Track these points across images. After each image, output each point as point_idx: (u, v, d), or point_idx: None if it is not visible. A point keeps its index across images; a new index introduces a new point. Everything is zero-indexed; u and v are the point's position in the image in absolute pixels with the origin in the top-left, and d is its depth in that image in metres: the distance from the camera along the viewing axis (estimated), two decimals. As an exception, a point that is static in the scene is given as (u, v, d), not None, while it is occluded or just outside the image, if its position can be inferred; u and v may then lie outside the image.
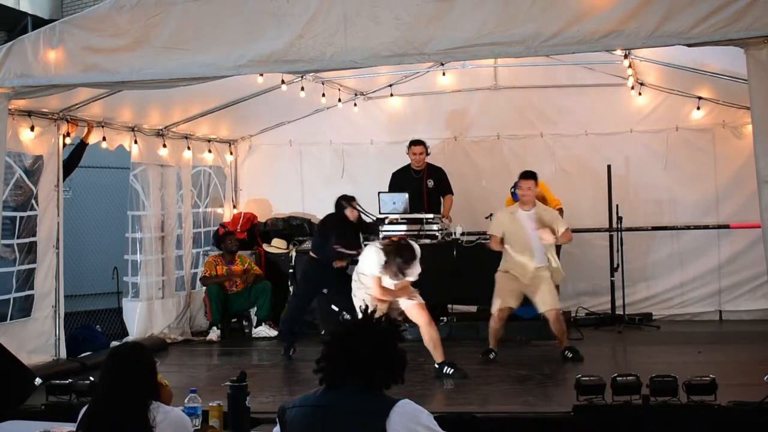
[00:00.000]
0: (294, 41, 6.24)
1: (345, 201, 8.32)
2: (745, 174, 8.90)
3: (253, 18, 6.34)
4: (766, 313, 9.61)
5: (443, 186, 9.87)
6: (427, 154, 9.92)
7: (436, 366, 7.21)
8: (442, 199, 9.85)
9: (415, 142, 9.85)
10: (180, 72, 6.59)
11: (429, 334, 7.20)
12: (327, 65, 6.45)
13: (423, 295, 9.25)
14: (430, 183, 9.84)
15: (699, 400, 5.48)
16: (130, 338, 9.11)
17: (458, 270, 8.75)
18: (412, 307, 7.16)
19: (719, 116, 9.93)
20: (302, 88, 9.30)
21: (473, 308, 9.55)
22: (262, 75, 8.01)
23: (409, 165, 9.94)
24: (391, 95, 10.86)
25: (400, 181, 9.87)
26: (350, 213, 8.28)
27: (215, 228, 10.65)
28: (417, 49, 6.08)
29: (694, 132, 10.06)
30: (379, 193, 9.38)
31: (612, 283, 9.66)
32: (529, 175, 7.86)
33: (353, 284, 7.41)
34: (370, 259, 7.07)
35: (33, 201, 7.79)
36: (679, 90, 9.86)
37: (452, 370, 7.19)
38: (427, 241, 9.27)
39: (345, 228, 8.32)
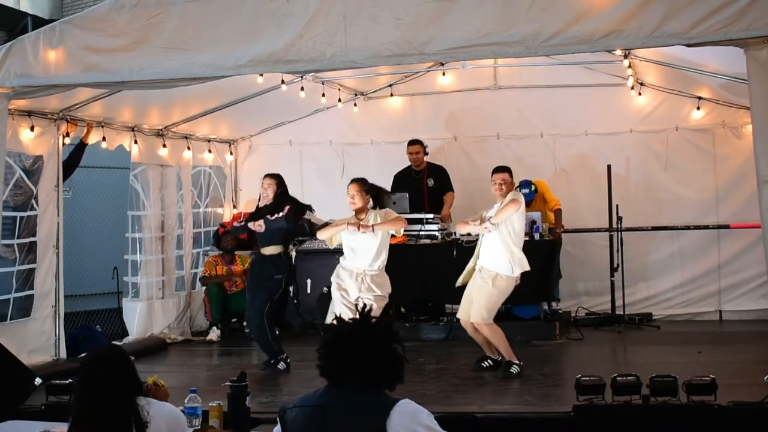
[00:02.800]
0: (294, 41, 6.24)
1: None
2: (745, 174, 8.90)
3: (253, 18, 6.34)
4: (766, 313, 9.60)
5: (444, 184, 9.90)
6: (426, 154, 9.94)
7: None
8: (444, 198, 9.86)
9: (411, 142, 9.90)
10: (180, 72, 6.60)
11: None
12: (327, 65, 6.46)
13: (423, 295, 9.32)
14: (431, 182, 9.88)
15: (699, 400, 5.48)
16: (130, 338, 9.12)
17: (458, 270, 8.72)
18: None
19: (719, 116, 9.92)
20: (302, 88, 9.30)
21: (473, 308, 9.54)
22: (262, 75, 8.01)
23: (410, 166, 9.98)
24: (391, 95, 10.86)
25: (401, 181, 9.90)
26: (262, 190, 7.90)
27: (215, 228, 10.65)
28: (417, 49, 6.08)
29: (694, 132, 10.06)
30: (379, 192, 9.37)
31: (612, 283, 9.66)
32: (503, 169, 7.47)
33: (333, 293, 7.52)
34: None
35: (33, 201, 7.79)
36: (679, 90, 9.86)
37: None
38: (427, 241, 9.28)
39: (258, 209, 7.96)
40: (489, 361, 7.40)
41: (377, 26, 6.09)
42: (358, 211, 7.35)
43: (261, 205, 7.92)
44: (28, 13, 14.94)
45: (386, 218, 7.33)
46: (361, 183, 7.41)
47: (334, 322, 3.11)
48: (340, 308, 7.22)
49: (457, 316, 7.46)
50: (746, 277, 9.75)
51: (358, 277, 7.31)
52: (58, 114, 8.05)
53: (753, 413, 5.45)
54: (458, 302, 9.39)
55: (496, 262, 7.15)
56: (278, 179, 7.87)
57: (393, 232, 7.49)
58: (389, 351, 3.01)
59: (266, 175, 7.98)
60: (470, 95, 10.68)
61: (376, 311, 7.13)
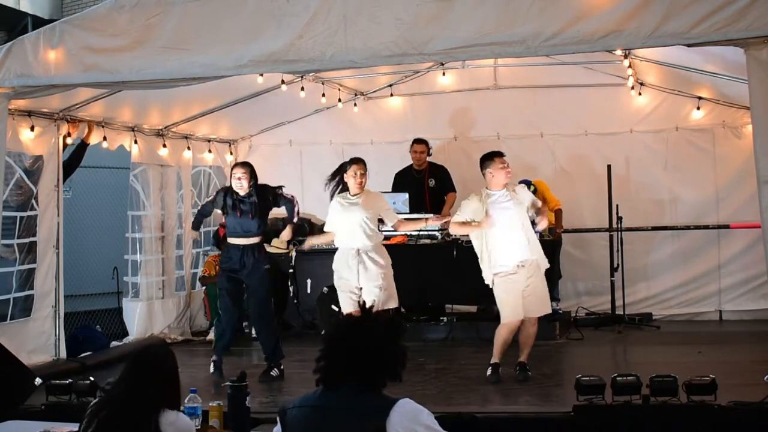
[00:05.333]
0: (294, 41, 6.24)
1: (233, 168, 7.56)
2: (745, 174, 8.89)
3: (253, 18, 6.34)
4: (766, 313, 9.60)
5: (446, 184, 9.89)
6: (429, 154, 9.94)
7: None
8: (445, 198, 9.85)
9: (417, 141, 9.90)
10: (180, 72, 6.60)
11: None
12: (327, 65, 6.46)
13: (423, 295, 9.32)
14: (432, 182, 9.86)
15: (699, 400, 5.48)
16: (130, 338, 9.12)
17: (458, 270, 8.75)
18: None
19: (719, 116, 9.92)
20: (302, 88, 9.30)
21: (473, 308, 9.56)
22: (262, 75, 8.01)
23: (411, 165, 9.97)
24: (391, 95, 10.86)
25: (402, 181, 9.90)
26: (235, 180, 7.44)
27: (215, 228, 10.64)
28: (417, 49, 6.08)
29: (694, 132, 10.06)
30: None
31: (612, 283, 9.66)
32: (503, 154, 7.23)
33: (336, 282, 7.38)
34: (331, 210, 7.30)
35: (33, 201, 7.79)
36: (679, 90, 9.86)
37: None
38: (427, 241, 9.28)
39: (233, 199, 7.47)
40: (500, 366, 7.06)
41: (377, 26, 6.09)
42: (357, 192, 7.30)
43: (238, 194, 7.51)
44: (28, 13, 14.96)
45: (378, 201, 7.37)
46: (364, 162, 7.38)
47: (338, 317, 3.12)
48: (345, 302, 7.15)
49: (508, 320, 6.96)
50: (746, 277, 9.74)
51: (353, 257, 7.21)
52: (58, 114, 8.05)
53: (753, 413, 5.45)
54: (458, 302, 9.47)
55: (539, 251, 7.07)
56: (252, 168, 7.59)
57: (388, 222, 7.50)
58: (389, 350, 3.01)
59: (240, 164, 7.66)
60: (470, 95, 10.68)
61: (388, 286, 7.18)
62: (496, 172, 7.08)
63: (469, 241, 8.66)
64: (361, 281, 7.22)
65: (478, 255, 7.16)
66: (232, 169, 7.67)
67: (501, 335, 7.04)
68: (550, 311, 7.16)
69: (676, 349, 8.34)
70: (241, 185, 7.45)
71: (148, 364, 3.59)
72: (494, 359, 7.04)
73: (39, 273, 7.83)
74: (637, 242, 9.99)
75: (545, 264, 7.13)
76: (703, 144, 10.04)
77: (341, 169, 7.46)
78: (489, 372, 7.01)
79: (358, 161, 7.38)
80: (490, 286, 7.10)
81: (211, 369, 7.59)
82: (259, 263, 7.57)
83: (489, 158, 7.15)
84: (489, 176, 7.12)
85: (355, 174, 7.29)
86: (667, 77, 9.41)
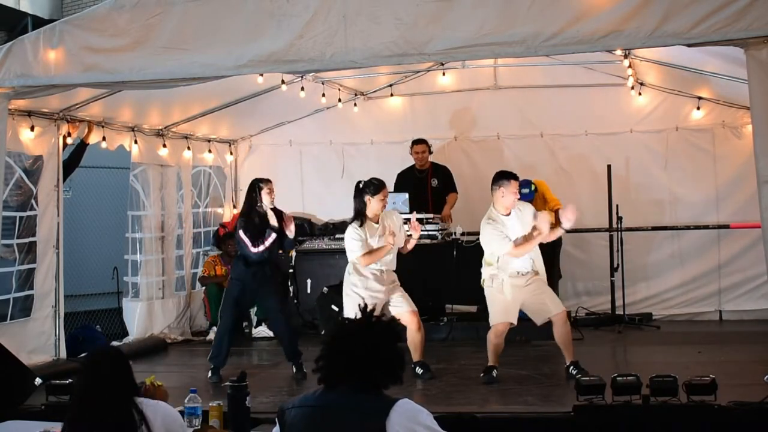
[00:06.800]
0: (294, 41, 6.25)
1: (261, 183, 7.64)
2: (745, 174, 8.90)
3: (253, 18, 6.35)
4: (766, 313, 9.60)
5: (448, 184, 9.88)
6: (430, 153, 9.94)
7: (412, 364, 7.14)
8: (446, 199, 9.84)
9: (416, 141, 9.89)
10: (180, 72, 6.60)
11: (413, 339, 7.14)
12: (327, 65, 6.46)
13: (423, 295, 9.31)
14: (434, 182, 9.86)
15: (699, 400, 5.48)
16: (130, 338, 9.12)
17: (458, 270, 8.75)
18: (405, 314, 7.12)
19: (719, 116, 9.93)
20: (302, 88, 9.31)
21: (473, 308, 9.54)
22: (262, 75, 8.01)
23: (413, 165, 9.96)
24: (391, 95, 10.86)
25: (404, 181, 9.89)
26: (270, 192, 7.58)
27: (215, 228, 10.66)
28: (417, 49, 6.08)
29: (694, 132, 10.06)
30: (379, 193, 9.36)
31: (612, 283, 9.66)
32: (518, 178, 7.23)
33: (345, 280, 7.28)
34: (348, 239, 7.09)
35: (33, 201, 7.79)
36: (679, 90, 9.86)
37: (422, 371, 7.19)
38: (427, 241, 9.28)
39: (254, 216, 7.56)
40: (496, 368, 7.07)
41: (377, 26, 6.09)
42: (377, 215, 7.21)
43: (265, 208, 7.60)
44: (28, 13, 14.97)
45: (396, 223, 7.28)
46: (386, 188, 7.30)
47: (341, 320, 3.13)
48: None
49: (495, 322, 7.07)
50: (746, 277, 9.75)
51: (384, 274, 7.20)
52: (58, 114, 8.05)
53: (753, 413, 5.45)
54: (458, 302, 9.46)
55: (541, 267, 7.20)
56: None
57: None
58: (387, 352, 3.02)
59: (269, 180, 7.75)
60: (470, 95, 10.68)
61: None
62: (508, 194, 7.07)
63: (470, 241, 8.71)
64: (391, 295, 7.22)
65: (488, 257, 7.18)
66: (262, 183, 7.62)
67: (491, 341, 7.09)
68: (563, 308, 7.13)
69: (676, 349, 8.34)
70: (271, 196, 7.56)
71: (102, 360, 3.56)
72: (489, 363, 7.08)
73: (39, 273, 7.83)
74: (637, 242, 9.99)
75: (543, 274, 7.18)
76: (703, 144, 10.04)
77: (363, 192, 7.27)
78: (482, 374, 7.04)
79: (384, 186, 7.26)
80: (484, 286, 7.17)
81: (209, 374, 7.54)
82: (270, 273, 7.67)
83: (506, 178, 7.11)
84: (499, 195, 7.09)
85: (384, 197, 7.20)
86: (667, 77, 9.41)
